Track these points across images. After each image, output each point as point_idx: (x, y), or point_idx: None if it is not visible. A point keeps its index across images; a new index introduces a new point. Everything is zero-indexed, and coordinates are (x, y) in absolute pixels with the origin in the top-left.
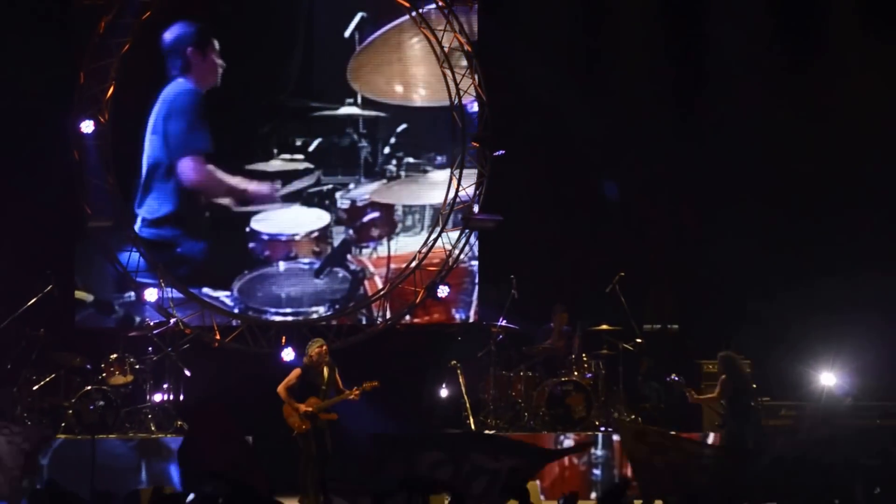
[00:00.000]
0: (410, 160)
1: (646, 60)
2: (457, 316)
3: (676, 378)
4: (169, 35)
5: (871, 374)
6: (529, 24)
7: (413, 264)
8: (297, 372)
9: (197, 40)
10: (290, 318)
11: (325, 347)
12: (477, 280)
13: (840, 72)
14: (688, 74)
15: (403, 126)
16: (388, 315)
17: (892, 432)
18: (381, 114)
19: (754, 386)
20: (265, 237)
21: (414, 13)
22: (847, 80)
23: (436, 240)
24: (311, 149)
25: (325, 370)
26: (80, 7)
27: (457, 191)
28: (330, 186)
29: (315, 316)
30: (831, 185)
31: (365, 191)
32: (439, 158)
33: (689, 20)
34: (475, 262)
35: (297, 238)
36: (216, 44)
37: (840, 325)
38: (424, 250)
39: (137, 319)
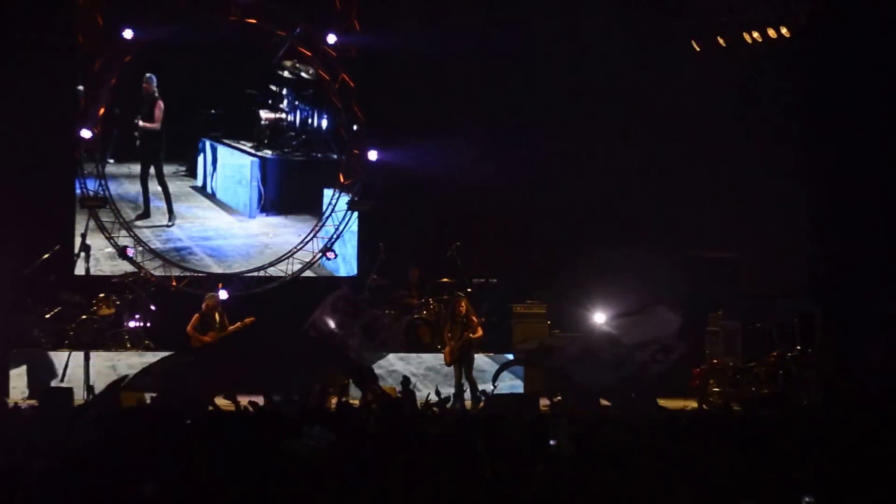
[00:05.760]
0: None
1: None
2: (342, 270)
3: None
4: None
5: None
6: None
7: (311, 235)
8: (196, 316)
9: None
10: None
11: (215, 299)
12: (357, 245)
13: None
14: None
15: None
16: (295, 269)
17: None
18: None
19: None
20: None
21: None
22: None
23: (328, 217)
24: None
25: (217, 314)
26: (83, 51)
27: (342, 184)
28: None
29: (242, 269)
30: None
31: None
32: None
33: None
34: (356, 233)
35: None
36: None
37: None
38: (319, 224)
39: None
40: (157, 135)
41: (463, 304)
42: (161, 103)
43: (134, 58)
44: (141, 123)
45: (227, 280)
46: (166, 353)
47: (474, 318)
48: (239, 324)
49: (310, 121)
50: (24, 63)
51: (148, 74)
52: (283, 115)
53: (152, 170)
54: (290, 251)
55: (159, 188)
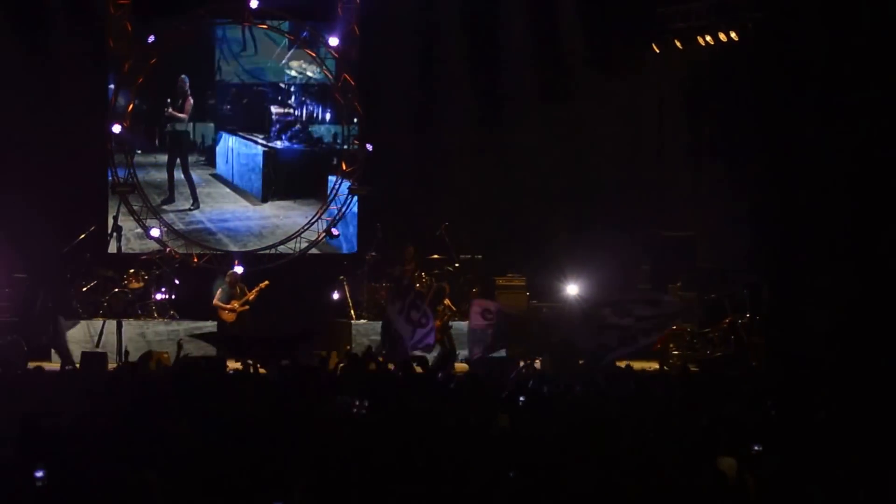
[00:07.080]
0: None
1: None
2: (344, 247)
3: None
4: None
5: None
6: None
7: (316, 217)
8: (220, 290)
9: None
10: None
11: (235, 275)
12: (357, 226)
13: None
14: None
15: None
16: (302, 247)
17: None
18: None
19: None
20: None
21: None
22: None
23: (331, 200)
24: None
25: (238, 286)
26: (114, 54)
27: (344, 171)
28: None
29: (255, 247)
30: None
31: None
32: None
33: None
34: (356, 214)
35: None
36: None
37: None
38: (323, 207)
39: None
40: (184, 130)
41: (447, 289)
42: (191, 100)
43: (158, 60)
44: (170, 111)
45: (242, 257)
46: (188, 322)
47: (448, 301)
48: (255, 289)
49: (315, 115)
50: (63, 65)
51: (183, 76)
52: (292, 110)
53: (178, 161)
54: (297, 231)
55: (184, 178)
